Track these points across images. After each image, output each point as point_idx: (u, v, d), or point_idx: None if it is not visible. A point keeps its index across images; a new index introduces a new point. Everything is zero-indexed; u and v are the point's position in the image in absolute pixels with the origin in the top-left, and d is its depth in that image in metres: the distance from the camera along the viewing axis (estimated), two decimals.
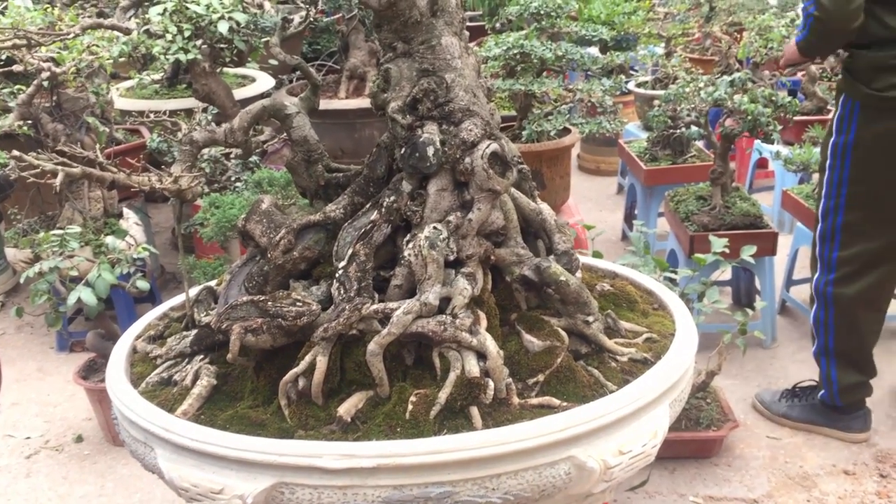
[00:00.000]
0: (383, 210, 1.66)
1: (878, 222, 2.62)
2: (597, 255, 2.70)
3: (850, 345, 2.74)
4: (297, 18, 2.76)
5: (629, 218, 4.72)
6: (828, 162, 2.66)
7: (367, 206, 1.72)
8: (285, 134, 1.89)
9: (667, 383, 1.63)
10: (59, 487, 2.86)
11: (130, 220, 3.72)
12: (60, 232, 2.87)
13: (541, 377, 1.63)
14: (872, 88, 2.51)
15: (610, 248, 4.56)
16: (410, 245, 1.60)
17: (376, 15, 1.68)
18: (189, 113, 3.84)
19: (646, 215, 4.20)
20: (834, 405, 2.83)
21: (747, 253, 2.68)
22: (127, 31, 3.10)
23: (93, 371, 3.06)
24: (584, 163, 6.11)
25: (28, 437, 3.16)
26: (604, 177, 5.91)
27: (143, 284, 2.81)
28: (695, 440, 2.74)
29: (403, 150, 1.65)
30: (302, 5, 2.72)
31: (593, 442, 1.52)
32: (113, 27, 3.16)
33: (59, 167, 1.60)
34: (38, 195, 3.93)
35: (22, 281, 2.78)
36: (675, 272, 2.82)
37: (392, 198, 1.67)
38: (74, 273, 2.82)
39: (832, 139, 2.63)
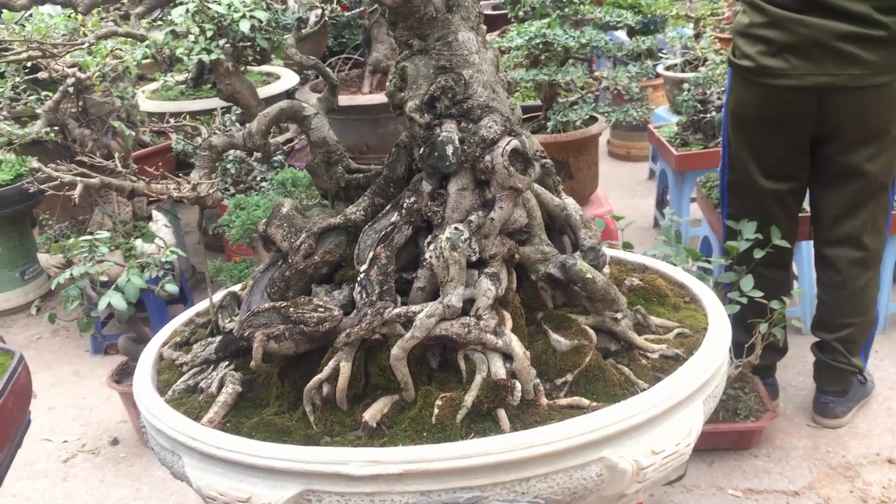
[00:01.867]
0: (403, 211, 1.63)
1: (747, 184, 2.70)
2: (627, 246, 2.65)
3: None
4: (312, 17, 2.73)
5: (661, 204, 4.64)
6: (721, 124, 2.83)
7: (388, 207, 1.69)
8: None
9: (700, 380, 1.59)
10: (95, 491, 2.88)
11: (159, 223, 3.74)
12: (90, 237, 2.89)
13: (569, 377, 1.59)
14: (734, 55, 2.61)
15: (642, 235, 4.50)
16: (431, 247, 1.57)
17: (391, 12, 1.65)
18: (207, 114, 3.84)
19: (678, 202, 4.12)
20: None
21: (777, 237, 2.60)
22: (142, 38, 3.10)
23: (126, 374, 3.08)
24: (614, 149, 6.03)
25: (65, 441, 3.19)
26: (634, 162, 5.83)
27: (171, 288, 2.82)
28: (733, 431, 2.69)
29: (422, 149, 1.62)
30: (318, 4, 2.70)
31: (625, 442, 1.48)
32: (128, 35, 3.16)
33: (78, 178, 1.59)
34: (69, 200, 3.97)
35: (53, 287, 2.80)
36: (709, 261, 2.76)
37: (412, 199, 1.64)
38: (105, 278, 2.84)
39: None
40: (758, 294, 2.50)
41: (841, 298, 2.73)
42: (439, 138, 1.60)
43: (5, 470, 1.88)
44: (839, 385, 2.83)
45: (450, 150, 1.59)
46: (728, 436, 2.69)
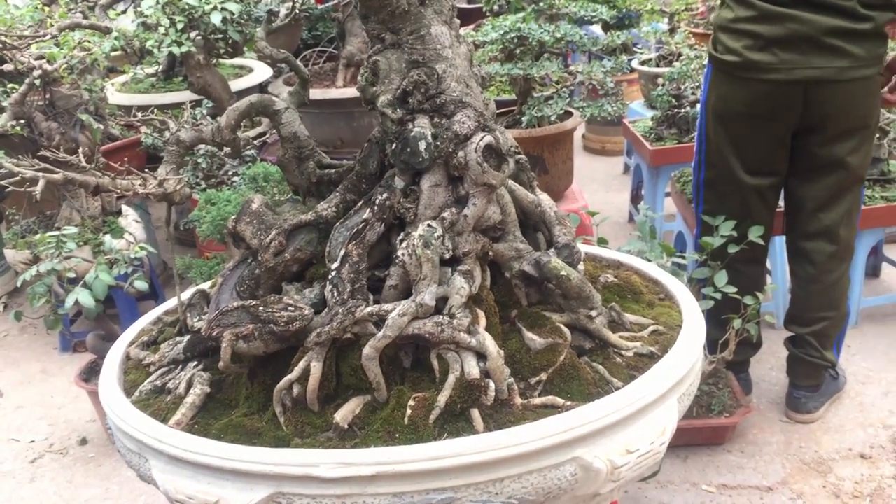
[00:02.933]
0: (376, 208, 1.61)
1: (727, 181, 2.69)
2: (602, 241, 2.64)
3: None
4: (283, 10, 2.69)
5: (636, 199, 4.65)
6: (697, 119, 2.81)
7: (360, 203, 1.66)
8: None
9: (674, 378, 1.58)
10: (64, 492, 2.83)
11: (129, 218, 3.67)
12: (57, 233, 2.83)
13: (543, 376, 1.57)
14: (715, 50, 2.60)
15: (618, 230, 4.50)
16: (404, 244, 1.55)
17: (363, 5, 1.62)
18: (175, 107, 3.78)
19: (652, 196, 4.13)
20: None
21: (755, 234, 2.61)
22: (107, 30, 3.04)
23: (94, 373, 3.02)
24: (590, 143, 6.03)
25: (32, 441, 3.14)
26: (609, 157, 5.84)
27: (140, 285, 2.76)
28: (706, 427, 2.69)
29: (394, 145, 1.59)
30: None
31: (599, 442, 1.47)
32: (92, 26, 3.10)
33: (40, 174, 1.55)
34: (50, 186, 3.89)
35: (19, 284, 2.73)
36: (683, 256, 2.76)
37: (384, 195, 1.61)
38: (73, 274, 2.78)
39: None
40: (732, 290, 2.50)
41: (815, 292, 2.74)
42: (412, 134, 1.58)
43: None
44: (812, 380, 2.85)
45: (422, 145, 1.57)
46: (702, 431, 2.70)
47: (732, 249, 2.58)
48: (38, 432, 3.19)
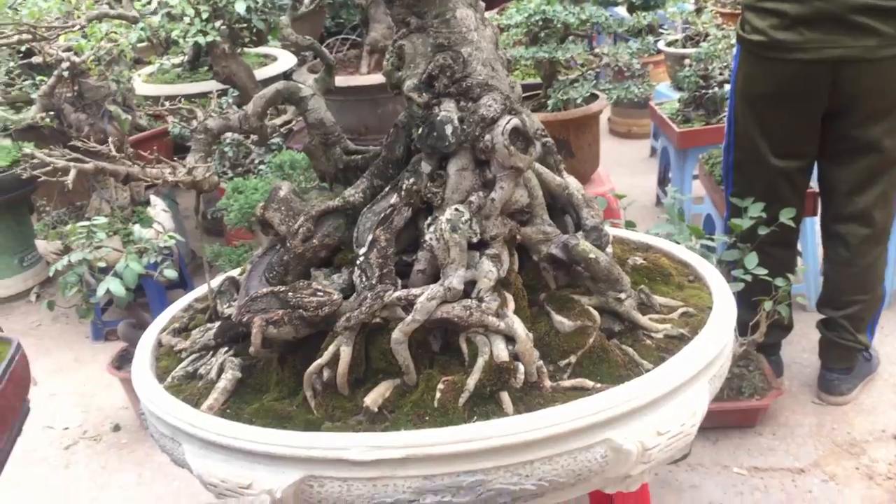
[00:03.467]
0: (403, 193, 1.61)
1: (755, 163, 2.66)
2: (629, 224, 2.62)
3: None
4: None
5: (663, 182, 4.61)
6: (727, 101, 2.79)
7: (387, 189, 1.66)
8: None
9: (705, 360, 1.57)
10: (97, 478, 2.88)
11: (158, 208, 3.71)
12: (87, 223, 2.86)
13: (573, 358, 1.57)
14: (743, 30, 2.57)
15: (645, 213, 4.47)
16: (431, 229, 1.55)
17: None
18: (203, 97, 3.81)
19: (680, 179, 4.09)
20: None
21: (786, 216, 2.58)
22: (134, 20, 3.07)
23: (126, 361, 3.06)
24: (616, 126, 5.99)
25: (66, 428, 3.19)
26: (636, 140, 5.79)
27: (170, 273, 2.79)
28: (737, 409, 2.68)
29: (421, 129, 1.59)
30: None
31: (630, 424, 1.47)
32: (120, 16, 3.12)
33: (71, 164, 1.57)
34: (82, 175, 3.94)
35: (51, 274, 2.77)
36: (713, 239, 2.73)
37: (411, 180, 1.61)
38: (103, 264, 2.82)
39: None
40: (762, 272, 2.47)
41: (849, 275, 2.71)
42: (438, 118, 1.57)
43: (5, 458, 1.86)
44: (845, 362, 2.82)
45: (449, 129, 1.56)
46: (733, 414, 2.68)
47: (762, 231, 2.55)
48: (72, 419, 3.24)
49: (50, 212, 3.75)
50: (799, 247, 3.40)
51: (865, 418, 2.74)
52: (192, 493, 2.70)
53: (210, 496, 1.56)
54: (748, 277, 2.50)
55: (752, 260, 2.52)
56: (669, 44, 5.08)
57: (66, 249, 3.02)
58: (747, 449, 2.65)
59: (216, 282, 1.92)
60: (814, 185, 2.80)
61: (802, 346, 3.12)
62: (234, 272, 1.98)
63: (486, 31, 1.66)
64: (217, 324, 1.79)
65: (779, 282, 2.49)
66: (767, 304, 2.47)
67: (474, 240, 1.55)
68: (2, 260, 4.33)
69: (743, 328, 2.55)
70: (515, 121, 1.56)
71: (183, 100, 3.47)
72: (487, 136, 1.56)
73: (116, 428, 3.14)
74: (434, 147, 1.58)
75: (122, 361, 3.08)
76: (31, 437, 3.12)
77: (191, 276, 4.04)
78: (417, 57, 1.63)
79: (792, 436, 2.69)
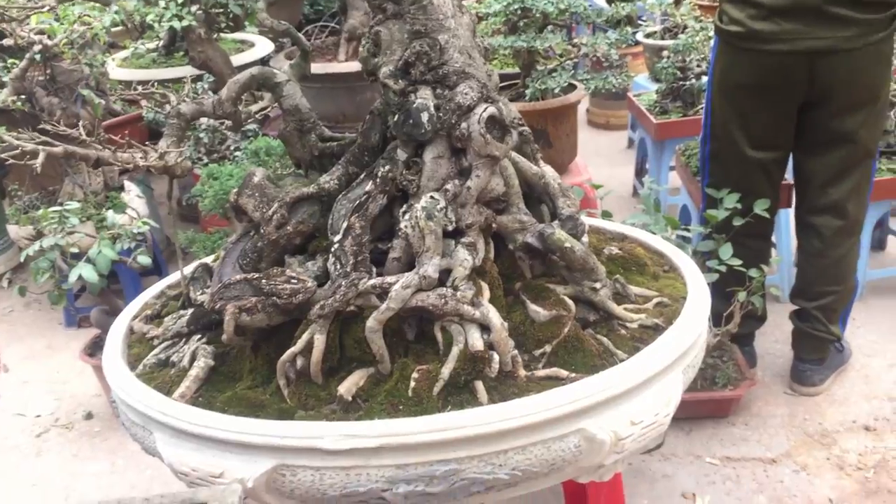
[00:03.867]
0: (378, 180, 1.60)
1: (732, 154, 2.68)
2: (606, 214, 2.63)
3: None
4: None
5: (640, 173, 4.62)
6: (705, 92, 2.80)
7: (362, 176, 1.65)
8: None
9: (679, 350, 1.58)
10: (69, 466, 2.85)
11: (132, 193, 3.67)
12: (60, 208, 2.82)
13: (548, 348, 1.57)
14: (721, 21, 2.58)
15: (622, 204, 4.48)
16: (407, 216, 1.54)
17: None
18: (176, 82, 3.76)
19: (657, 170, 4.10)
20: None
21: (761, 207, 2.59)
22: (106, 2, 3.02)
23: (99, 348, 3.03)
24: (594, 117, 6.00)
25: (38, 416, 3.15)
26: (613, 131, 5.80)
27: (144, 259, 2.76)
28: (711, 400, 2.69)
29: (397, 116, 1.58)
30: None
31: (603, 413, 1.47)
32: None
33: (40, 147, 1.54)
34: (50, 159, 3.89)
35: (23, 259, 2.73)
36: (688, 229, 2.75)
37: (387, 167, 1.60)
38: (76, 249, 2.78)
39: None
40: (737, 262, 2.49)
41: (822, 266, 2.73)
42: (414, 105, 1.56)
43: None
44: (817, 353, 2.84)
45: (425, 117, 1.55)
46: (706, 404, 2.70)
47: (738, 222, 2.57)
48: (44, 407, 3.20)
49: (22, 196, 3.69)
50: (773, 238, 3.43)
51: (837, 409, 2.77)
52: (165, 482, 2.68)
53: (181, 485, 1.54)
54: (723, 268, 2.51)
55: (726, 251, 2.53)
56: (648, 35, 5.09)
57: (38, 235, 2.97)
58: (720, 439, 2.67)
59: (189, 268, 1.90)
60: (788, 177, 2.81)
61: (776, 338, 3.15)
62: (208, 259, 1.96)
63: (464, 18, 1.65)
64: (190, 311, 1.77)
65: (753, 272, 2.50)
66: (742, 295, 2.49)
67: (450, 228, 1.55)
68: None
69: (717, 319, 2.56)
70: (492, 109, 1.55)
71: (157, 85, 3.43)
72: (464, 125, 1.55)
73: (89, 416, 3.11)
74: (410, 135, 1.57)
75: (95, 348, 3.04)
76: (1, 425, 3.08)
77: (165, 262, 4.00)
78: (394, 44, 1.61)
79: (764, 426, 2.71)
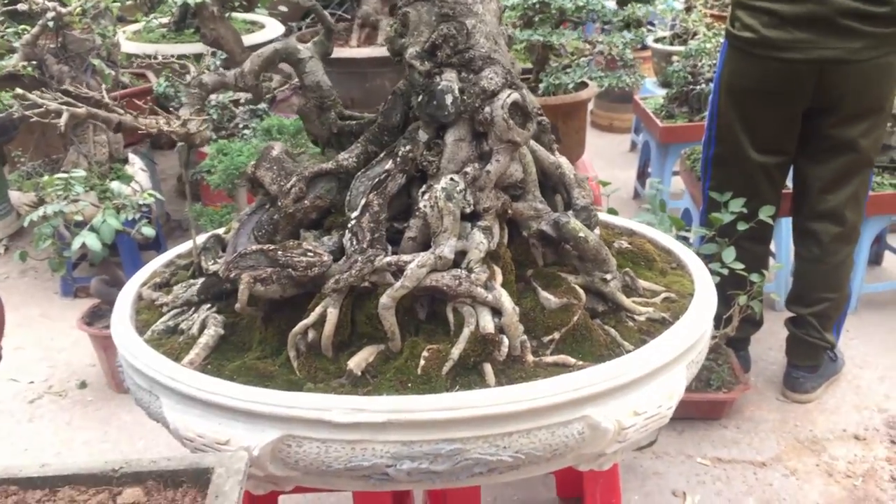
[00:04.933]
0: (398, 159, 1.61)
1: (735, 157, 2.70)
2: (612, 212, 2.64)
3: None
4: None
5: (642, 176, 4.64)
6: (710, 96, 2.82)
7: (382, 155, 1.66)
8: (297, 80, 1.83)
9: (685, 344, 1.60)
10: (62, 433, 2.85)
11: (136, 166, 3.66)
12: (65, 175, 2.82)
13: (556, 335, 1.59)
14: (732, 26, 2.61)
15: (622, 206, 4.49)
16: (426, 196, 1.55)
17: None
18: (198, 58, 3.76)
19: (660, 173, 4.12)
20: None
21: (765, 214, 2.61)
22: None
23: (97, 317, 3.03)
24: (597, 119, 6.01)
25: (31, 382, 3.15)
26: (617, 134, 5.82)
27: (148, 231, 2.76)
28: (704, 401, 2.72)
29: (421, 97, 1.59)
30: None
31: (608, 402, 1.49)
32: None
33: (64, 107, 1.54)
34: (43, 138, 3.88)
35: (25, 224, 2.73)
36: (689, 229, 2.76)
37: (408, 147, 1.61)
38: (79, 218, 2.77)
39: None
40: (739, 266, 2.51)
41: (819, 273, 2.76)
42: (439, 87, 1.57)
43: None
44: (811, 360, 2.87)
45: (449, 99, 1.56)
46: (700, 405, 2.72)
47: (742, 227, 2.59)
48: (38, 374, 3.20)
49: (25, 163, 3.68)
50: (772, 246, 3.45)
51: (828, 417, 2.80)
52: (158, 453, 2.68)
53: (181, 451, 1.55)
54: (724, 271, 2.53)
55: (730, 254, 2.55)
56: (657, 40, 5.11)
57: (41, 202, 2.97)
58: (712, 440, 2.69)
59: (202, 238, 1.91)
60: (789, 184, 2.84)
61: (770, 345, 3.17)
62: (220, 231, 1.97)
63: (491, 4, 1.66)
64: (201, 280, 1.78)
65: (754, 277, 2.52)
66: (742, 299, 2.51)
67: (468, 210, 1.56)
68: None
69: (715, 321, 2.58)
70: (516, 95, 1.57)
71: (173, 57, 3.43)
72: (487, 109, 1.56)
73: (83, 385, 3.11)
74: (433, 116, 1.58)
75: (94, 318, 3.04)
76: None
77: (165, 237, 4.00)
78: (421, 25, 1.62)
79: (756, 430, 2.74)
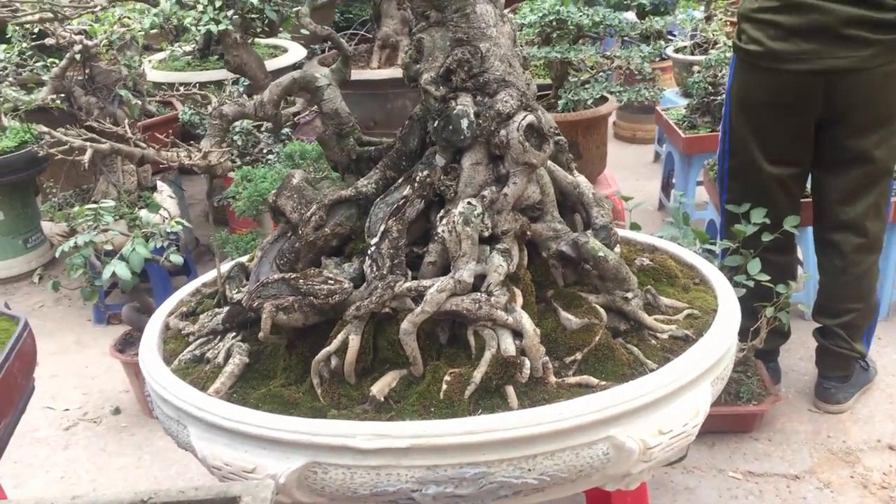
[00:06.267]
0: (416, 185, 1.62)
1: (750, 169, 2.68)
2: (634, 227, 2.64)
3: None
4: None
5: (666, 187, 4.62)
6: (722, 108, 2.81)
7: (400, 180, 1.68)
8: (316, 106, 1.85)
9: (709, 361, 1.59)
10: (97, 459, 2.89)
11: (164, 193, 3.72)
12: (94, 206, 2.87)
13: (578, 355, 1.59)
14: (739, 39, 2.59)
15: (647, 218, 4.48)
16: (444, 221, 1.56)
17: None
18: (220, 85, 3.82)
19: (684, 184, 4.10)
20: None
21: (790, 224, 2.59)
22: (154, 3, 3.08)
23: (129, 344, 3.08)
24: (621, 130, 6.00)
25: (67, 409, 3.19)
26: (640, 145, 5.80)
27: (176, 258, 2.80)
28: (734, 414, 2.69)
29: (437, 122, 1.61)
30: None
31: (633, 422, 1.48)
32: None
33: (88, 143, 1.58)
34: (73, 168, 3.95)
35: (57, 255, 2.78)
36: (715, 243, 2.75)
37: (425, 172, 1.62)
38: (109, 247, 2.82)
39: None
40: (765, 278, 2.49)
41: (842, 284, 2.73)
42: (454, 111, 1.59)
43: (8, 436, 1.87)
44: (841, 371, 2.83)
45: (464, 123, 1.58)
46: (730, 419, 2.69)
47: (766, 238, 2.57)
48: (73, 401, 3.25)
49: (56, 194, 3.76)
50: (800, 255, 3.42)
51: (861, 428, 2.76)
52: (190, 478, 2.71)
53: (206, 482, 1.57)
54: (750, 283, 2.51)
55: (755, 266, 2.53)
56: (678, 50, 5.10)
57: (72, 231, 3.03)
58: (743, 454, 2.66)
59: (225, 267, 1.93)
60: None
61: (800, 355, 3.14)
62: (244, 258, 2.00)
63: (505, 27, 1.67)
64: (225, 309, 1.80)
65: (780, 288, 2.50)
66: (769, 311, 2.49)
67: (486, 234, 1.57)
68: (7, 241, 4.34)
69: (742, 334, 2.56)
70: (531, 117, 1.58)
71: (196, 85, 3.48)
72: (503, 132, 1.57)
73: (116, 411, 3.15)
74: (449, 140, 1.60)
75: (125, 345, 3.09)
76: (31, 417, 3.12)
77: (194, 262, 4.05)
78: (436, 50, 1.64)
79: (788, 442, 2.70)
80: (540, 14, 3.18)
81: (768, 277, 2.49)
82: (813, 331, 2.90)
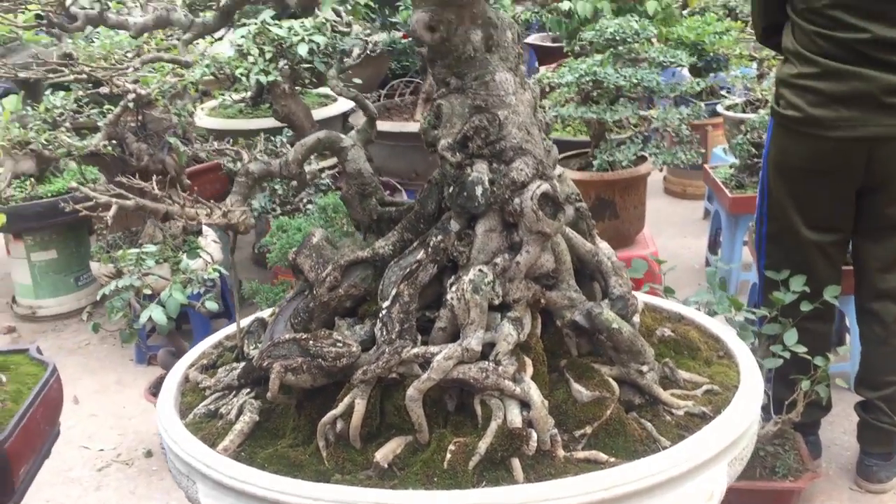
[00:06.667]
0: (430, 249, 1.62)
1: (789, 235, 2.63)
2: (668, 291, 2.59)
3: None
4: (356, 51, 2.78)
5: (713, 246, 4.55)
6: (760, 172, 2.77)
7: (415, 244, 1.68)
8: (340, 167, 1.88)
9: (726, 441, 1.54)
10: (126, 502, 2.92)
11: (209, 238, 3.80)
12: (138, 250, 2.94)
13: (588, 429, 1.55)
14: (777, 105, 2.56)
15: (692, 276, 4.41)
16: (454, 288, 1.55)
17: (430, 50, 1.65)
18: (274, 133, 3.89)
19: (730, 244, 4.03)
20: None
21: (831, 294, 2.52)
22: (187, 65, 3.17)
23: None
24: (671, 185, 5.94)
25: (101, 449, 3.25)
26: (691, 200, 5.74)
27: (211, 305, 2.85)
28: (770, 490, 2.59)
29: (452, 188, 1.61)
30: (363, 39, 2.74)
31: (642, 502, 1.44)
32: (172, 60, 3.24)
33: (113, 199, 1.62)
34: (123, 210, 4.06)
35: (99, 297, 2.85)
36: (754, 312, 2.68)
37: (439, 237, 1.62)
38: (149, 291, 2.88)
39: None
40: (801, 349, 2.42)
41: (884, 354, 2.64)
42: (469, 178, 1.59)
43: (30, 481, 1.90)
44: (883, 447, 2.72)
45: (479, 190, 1.58)
46: (765, 495, 2.60)
47: (806, 307, 2.50)
48: (108, 441, 3.30)
49: (106, 235, 3.86)
50: (847, 323, 3.31)
51: None
52: None
53: None
54: (787, 354, 2.44)
55: (791, 337, 2.46)
56: (729, 107, 5.05)
57: (118, 273, 3.10)
58: None
59: (246, 321, 1.95)
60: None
61: (844, 428, 3.03)
62: (265, 313, 2.01)
63: (525, 94, 1.68)
64: (242, 364, 1.82)
65: (818, 361, 2.42)
66: (805, 384, 2.41)
67: (496, 302, 1.55)
68: (59, 278, 4.47)
69: (779, 405, 2.49)
70: (545, 186, 1.57)
71: (233, 139, 3.56)
72: (517, 200, 1.57)
73: (149, 454, 3.19)
74: (463, 207, 1.59)
75: (159, 388, 3.11)
76: (67, 456, 3.18)
77: (235, 306, 4.10)
78: (454, 117, 1.65)
79: None
80: (577, 75, 3.18)
81: (805, 349, 2.42)
82: (854, 404, 2.80)
